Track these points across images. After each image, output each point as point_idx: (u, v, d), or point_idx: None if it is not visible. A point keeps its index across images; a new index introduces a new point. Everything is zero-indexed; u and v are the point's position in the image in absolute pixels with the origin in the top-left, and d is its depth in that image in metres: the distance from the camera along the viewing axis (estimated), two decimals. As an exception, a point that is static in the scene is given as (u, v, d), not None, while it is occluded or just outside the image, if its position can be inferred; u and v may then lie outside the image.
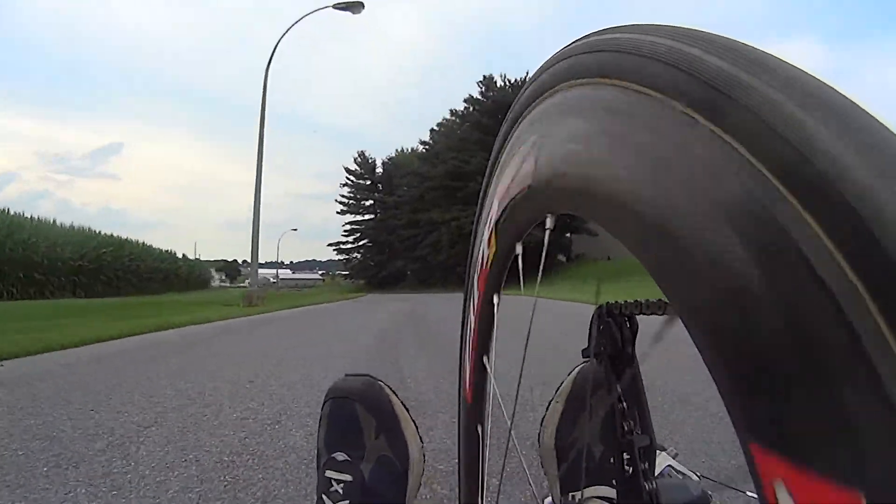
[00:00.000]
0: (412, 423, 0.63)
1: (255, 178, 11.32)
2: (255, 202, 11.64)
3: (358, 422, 0.60)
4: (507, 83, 37.53)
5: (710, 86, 0.18)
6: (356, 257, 50.78)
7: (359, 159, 50.14)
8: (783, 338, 0.15)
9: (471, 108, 39.28)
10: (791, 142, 0.15)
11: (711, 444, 1.49)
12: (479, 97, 38.64)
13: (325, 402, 0.63)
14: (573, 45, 0.26)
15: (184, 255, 28.68)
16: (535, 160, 0.28)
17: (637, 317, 0.34)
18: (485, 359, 0.45)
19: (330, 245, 52.12)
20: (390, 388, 0.63)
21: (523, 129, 0.31)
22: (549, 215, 0.31)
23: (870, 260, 0.13)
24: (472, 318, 0.48)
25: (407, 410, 0.63)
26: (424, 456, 0.64)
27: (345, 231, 51.15)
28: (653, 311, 0.33)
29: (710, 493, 0.52)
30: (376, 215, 48.43)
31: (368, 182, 49.94)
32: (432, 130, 43.50)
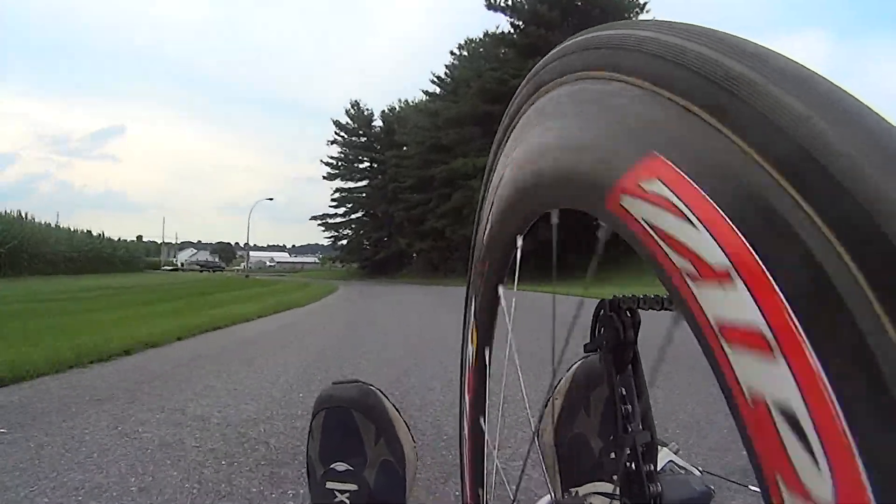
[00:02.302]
0: (404, 424, 0.63)
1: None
2: None
3: (357, 430, 0.60)
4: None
5: (712, 81, 0.18)
6: (348, 234, 39.33)
7: (351, 111, 38.15)
8: None
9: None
10: (795, 138, 0.15)
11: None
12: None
13: (316, 414, 0.62)
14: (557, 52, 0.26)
15: (76, 230, 23.09)
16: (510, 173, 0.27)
17: (639, 311, 0.34)
18: (486, 350, 0.45)
19: (313, 219, 39.59)
20: (381, 392, 0.63)
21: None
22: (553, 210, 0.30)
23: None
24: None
25: (398, 411, 0.63)
26: (417, 453, 0.64)
27: (332, 201, 38.83)
28: (655, 306, 0.33)
29: (712, 488, 0.52)
30: (372, 180, 37.25)
31: (363, 139, 38.16)
32: (451, 55, 28.95)
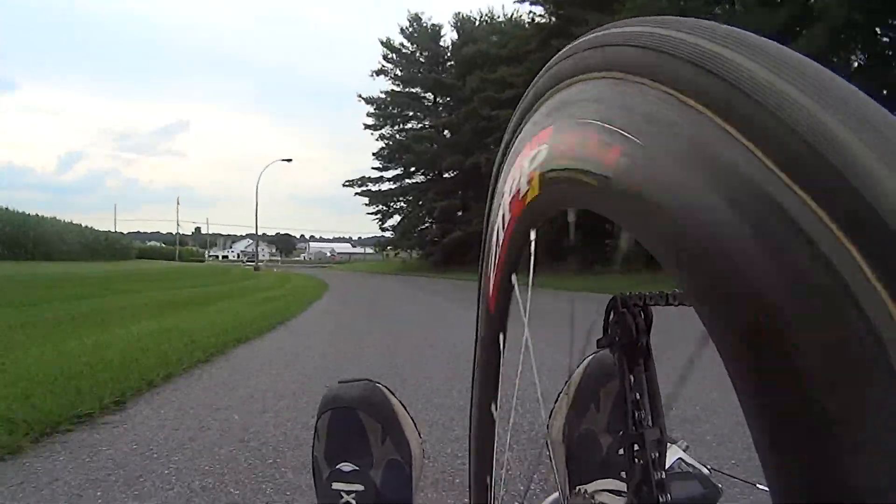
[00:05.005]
0: (410, 420, 0.63)
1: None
2: None
3: (363, 430, 0.60)
4: None
5: (724, 80, 0.17)
6: (400, 207, 26.09)
7: (410, 28, 25.09)
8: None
9: None
10: (802, 136, 0.15)
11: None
12: None
13: (321, 414, 0.62)
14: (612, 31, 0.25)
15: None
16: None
17: (651, 308, 0.34)
18: (512, 277, 0.44)
19: (349, 184, 25.88)
20: (388, 389, 0.63)
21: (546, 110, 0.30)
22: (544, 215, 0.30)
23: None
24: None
25: (405, 407, 0.63)
26: (424, 450, 0.64)
27: (377, 158, 25.43)
28: (667, 302, 0.33)
29: (720, 486, 0.52)
30: (437, 119, 24.17)
31: (424, 64, 24.88)
32: None
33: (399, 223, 26.26)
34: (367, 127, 25.55)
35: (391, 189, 25.99)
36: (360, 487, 0.57)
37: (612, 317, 0.34)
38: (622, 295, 0.33)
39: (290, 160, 29.21)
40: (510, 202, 0.41)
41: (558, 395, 0.61)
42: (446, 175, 24.16)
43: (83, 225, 30.46)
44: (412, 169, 25.58)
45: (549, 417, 0.62)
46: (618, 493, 0.52)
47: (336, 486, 0.57)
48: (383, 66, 25.35)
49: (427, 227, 25.18)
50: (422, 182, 25.66)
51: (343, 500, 0.56)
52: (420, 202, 25.44)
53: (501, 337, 0.41)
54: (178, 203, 69.84)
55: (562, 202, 0.28)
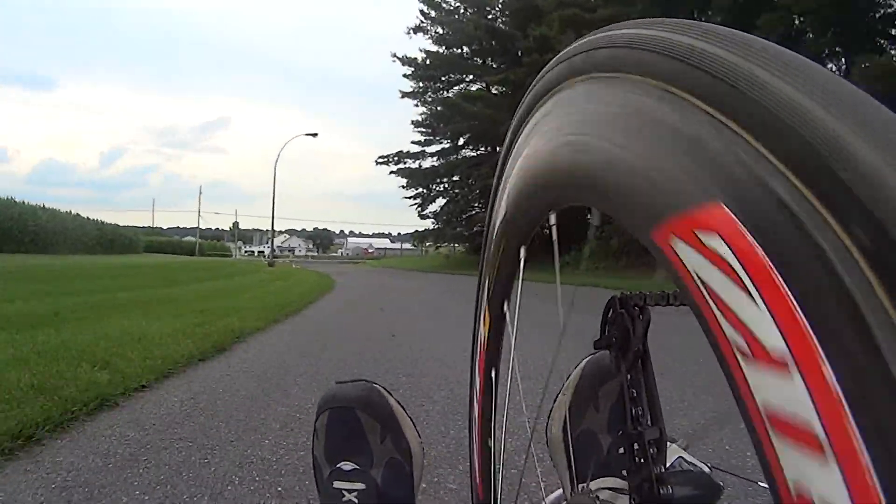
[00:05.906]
0: (409, 419, 0.63)
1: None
2: None
3: (362, 429, 0.60)
4: None
5: (717, 78, 0.17)
6: (444, 189, 21.60)
7: None
8: None
9: None
10: (802, 133, 0.15)
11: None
12: None
13: (320, 414, 0.62)
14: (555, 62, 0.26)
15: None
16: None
17: (649, 308, 0.34)
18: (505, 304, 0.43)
19: (382, 161, 21.61)
20: (385, 389, 0.63)
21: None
22: (552, 212, 0.31)
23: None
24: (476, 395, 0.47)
25: (403, 408, 0.63)
26: (423, 449, 0.65)
27: (416, 127, 20.91)
28: (665, 302, 0.33)
29: (721, 484, 0.52)
30: (490, 77, 19.20)
31: (470, 20, 20.13)
32: None
33: (443, 207, 21.35)
34: (404, 95, 20.84)
35: (434, 167, 21.15)
36: (361, 486, 0.57)
37: (609, 317, 0.34)
38: (620, 295, 0.33)
39: (315, 135, 25.41)
40: (479, 356, 0.42)
41: (557, 395, 0.61)
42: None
43: (71, 212, 26.57)
44: (460, 141, 20.60)
45: (548, 417, 0.62)
46: (619, 491, 0.52)
47: (338, 484, 0.58)
48: (422, 22, 20.20)
49: (477, 213, 20.01)
50: (472, 157, 20.59)
51: (345, 499, 0.56)
52: (470, 180, 20.01)
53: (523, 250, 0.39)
54: (200, 192, 65.21)
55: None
